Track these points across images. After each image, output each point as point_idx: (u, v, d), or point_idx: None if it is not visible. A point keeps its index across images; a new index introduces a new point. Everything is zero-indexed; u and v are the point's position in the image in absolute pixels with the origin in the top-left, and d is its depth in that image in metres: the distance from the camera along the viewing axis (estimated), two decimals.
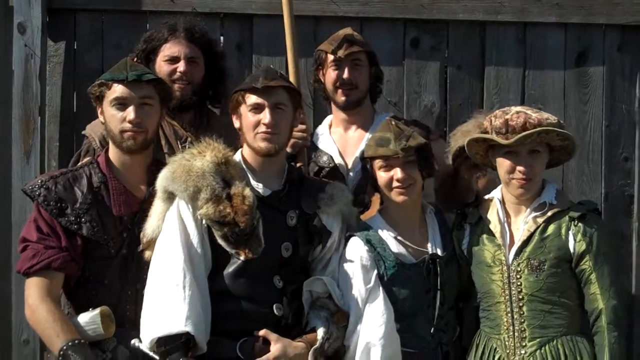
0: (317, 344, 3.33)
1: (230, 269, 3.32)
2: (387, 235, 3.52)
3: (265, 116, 3.37)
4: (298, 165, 3.80)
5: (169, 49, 3.93)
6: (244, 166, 3.43)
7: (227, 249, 3.28)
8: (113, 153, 3.50)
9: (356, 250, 3.46)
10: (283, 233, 3.40)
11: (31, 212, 4.13)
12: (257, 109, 3.39)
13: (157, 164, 3.50)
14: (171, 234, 3.29)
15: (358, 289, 3.40)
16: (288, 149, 3.65)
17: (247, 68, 4.50)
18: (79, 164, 3.67)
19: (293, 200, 3.45)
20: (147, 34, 4.06)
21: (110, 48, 4.49)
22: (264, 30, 4.53)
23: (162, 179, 3.32)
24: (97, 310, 3.31)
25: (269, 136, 3.36)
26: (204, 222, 3.29)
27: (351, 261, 3.45)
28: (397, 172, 3.47)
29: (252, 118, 3.39)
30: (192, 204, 3.28)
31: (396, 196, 3.50)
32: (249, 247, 3.27)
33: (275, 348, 3.27)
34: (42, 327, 3.31)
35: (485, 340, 3.54)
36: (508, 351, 3.47)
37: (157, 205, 3.36)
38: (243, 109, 3.43)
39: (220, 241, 3.28)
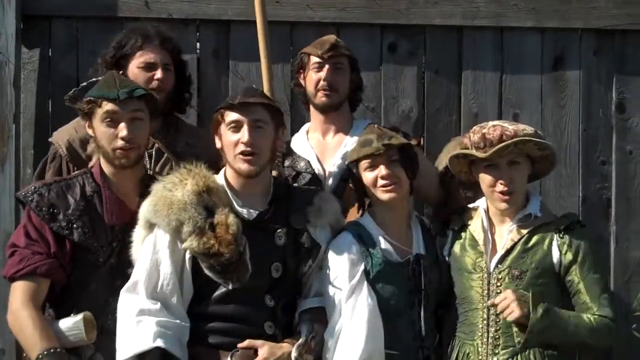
0: (301, 340, 3.32)
1: (217, 294, 3.30)
2: (375, 233, 3.53)
3: (244, 135, 3.31)
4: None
5: (144, 56, 3.89)
6: (227, 189, 3.38)
7: (215, 278, 3.25)
8: (105, 165, 3.49)
9: (345, 244, 3.46)
10: (272, 254, 3.37)
11: (6, 218, 4.17)
12: (235, 127, 3.34)
13: (150, 179, 3.49)
14: (143, 263, 3.29)
15: (343, 283, 3.39)
16: None
17: (223, 74, 4.49)
18: (74, 173, 3.64)
19: (280, 218, 3.40)
20: (116, 39, 3.98)
21: (86, 54, 4.44)
22: (241, 36, 4.50)
23: (145, 211, 3.30)
24: (80, 316, 3.29)
25: (249, 157, 3.31)
26: (187, 252, 3.26)
27: (339, 255, 3.43)
28: (382, 170, 3.49)
29: (231, 137, 3.34)
30: (177, 238, 3.25)
31: (382, 194, 3.50)
32: (236, 275, 3.25)
33: (263, 351, 3.27)
34: (22, 334, 3.31)
35: (460, 346, 3.55)
36: (480, 357, 3.47)
37: (139, 232, 3.34)
38: (223, 128, 3.38)
39: (207, 272, 3.25)
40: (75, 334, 3.28)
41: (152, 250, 3.28)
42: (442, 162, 3.76)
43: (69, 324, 3.30)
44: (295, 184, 3.82)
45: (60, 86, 4.42)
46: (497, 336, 3.46)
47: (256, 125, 3.34)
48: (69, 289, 3.42)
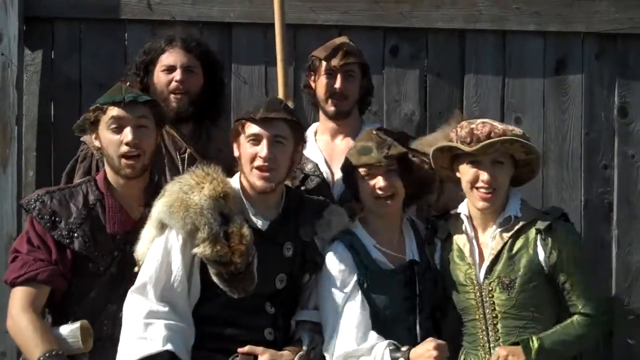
0: (303, 351, 3.34)
1: (220, 300, 3.29)
2: (367, 242, 3.52)
3: (263, 149, 3.30)
4: None
5: (165, 59, 3.91)
6: (242, 197, 3.38)
7: (221, 286, 3.25)
8: (110, 174, 3.50)
9: (338, 254, 3.45)
10: (279, 265, 3.38)
11: (8, 221, 4.18)
12: (255, 140, 3.33)
13: (155, 187, 3.50)
14: (152, 265, 3.28)
15: (336, 293, 3.39)
16: None
17: (225, 76, 4.47)
18: (78, 181, 3.65)
19: (290, 230, 3.41)
20: (146, 45, 4.00)
21: (88, 56, 4.45)
22: (243, 39, 4.51)
23: (159, 211, 3.29)
24: (77, 324, 3.30)
25: (265, 174, 3.30)
26: (197, 256, 3.26)
27: (332, 265, 3.44)
28: (380, 181, 3.47)
29: (250, 150, 3.33)
30: (189, 241, 3.25)
31: (382, 206, 3.49)
32: (242, 284, 3.25)
33: (263, 358, 3.28)
34: (22, 337, 3.31)
35: (464, 355, 3.56)
36: None
37: (149, 230, 3.33)
38: (242, 139, 3.37)
39: (215, 278, 3.25)
40: (73, 342, 3.29)
41: (162, 252, 3.27)
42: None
43: (66, 331, 3.30)
44: (303, 187, 3.84)
45: (62, 88, 4.44)
46: (498, 345, 3.45)
47: (276, 140, 3.33)
48: (70, 296, 3.42)
